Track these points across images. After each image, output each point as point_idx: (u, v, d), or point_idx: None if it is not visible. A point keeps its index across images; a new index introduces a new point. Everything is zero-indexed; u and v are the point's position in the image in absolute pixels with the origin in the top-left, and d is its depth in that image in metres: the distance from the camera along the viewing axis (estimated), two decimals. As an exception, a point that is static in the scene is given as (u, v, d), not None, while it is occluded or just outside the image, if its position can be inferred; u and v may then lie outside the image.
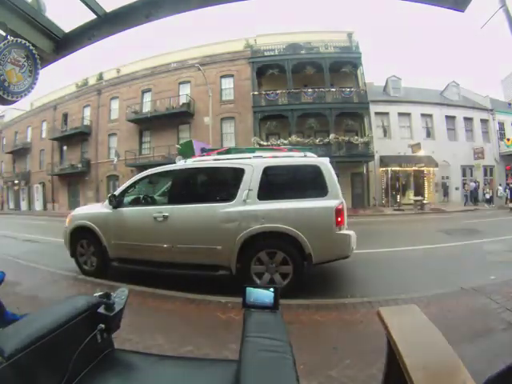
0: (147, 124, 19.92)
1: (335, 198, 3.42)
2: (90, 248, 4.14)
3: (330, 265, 4.11)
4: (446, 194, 18.84)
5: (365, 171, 17.13)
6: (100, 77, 23.20)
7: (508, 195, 15.55)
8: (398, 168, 17.41)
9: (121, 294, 1.15)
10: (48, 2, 1.96)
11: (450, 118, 19.31)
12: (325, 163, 3.57)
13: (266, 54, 18.56)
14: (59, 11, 2.06)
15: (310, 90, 17.09)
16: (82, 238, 4.21)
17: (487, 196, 17.31)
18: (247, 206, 3.42)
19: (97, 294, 1.11)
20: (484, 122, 19.97)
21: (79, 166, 22.21)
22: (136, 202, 4.19)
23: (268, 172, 3.57)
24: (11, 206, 28.45)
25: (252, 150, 4.56)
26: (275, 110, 17.05)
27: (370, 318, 2.54)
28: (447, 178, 18.89)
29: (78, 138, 22.65)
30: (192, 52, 19.83)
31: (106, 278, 3.98)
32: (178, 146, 10.61)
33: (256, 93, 17.46)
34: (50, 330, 0.86)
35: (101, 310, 1.04)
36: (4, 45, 1.80)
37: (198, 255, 3.55)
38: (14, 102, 1.94)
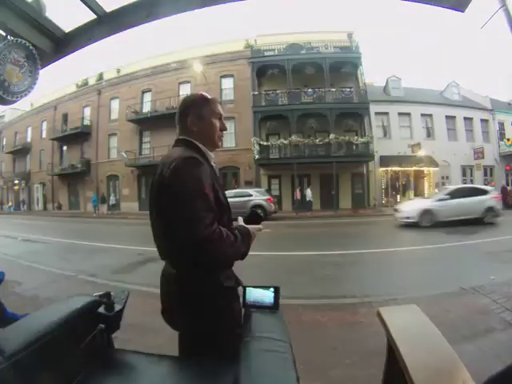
0: (147, 124, 19.86)
1: None
2: None
3: (330, 265, 4.11)
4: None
5: (365, 171, 17.10)
6: (100, 77, 23.15)
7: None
8: (397, 168, 17.35)
9: (121, 294, 1.15)
10: (48, 2, 1.96)
11: (450, 118, 19.25)
12: None
13: (266, 54, 18.48)
14: (59, 11, 2.05)
15: (310, 90, 17.02)
16: None
17: None
18: None
19: (97, 294, 1.10)
20: (484, 121, 19.91)
21: (79, 166, 22.13)
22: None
23: None
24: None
25: None
26: (275, 110, 16.96)
27: (370, 318, 2.54)
28: (447, 178, 18.88)
29: (78, 138, 22.56)
30: (192, 52, 19.79)
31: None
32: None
33: (256, 93, 17.39)
34: (50, 330, 0.86)
35: (101, 310, 1.04)
36: (4, 45, 1.79)
37: None
38: (14, 101, 1.93)
